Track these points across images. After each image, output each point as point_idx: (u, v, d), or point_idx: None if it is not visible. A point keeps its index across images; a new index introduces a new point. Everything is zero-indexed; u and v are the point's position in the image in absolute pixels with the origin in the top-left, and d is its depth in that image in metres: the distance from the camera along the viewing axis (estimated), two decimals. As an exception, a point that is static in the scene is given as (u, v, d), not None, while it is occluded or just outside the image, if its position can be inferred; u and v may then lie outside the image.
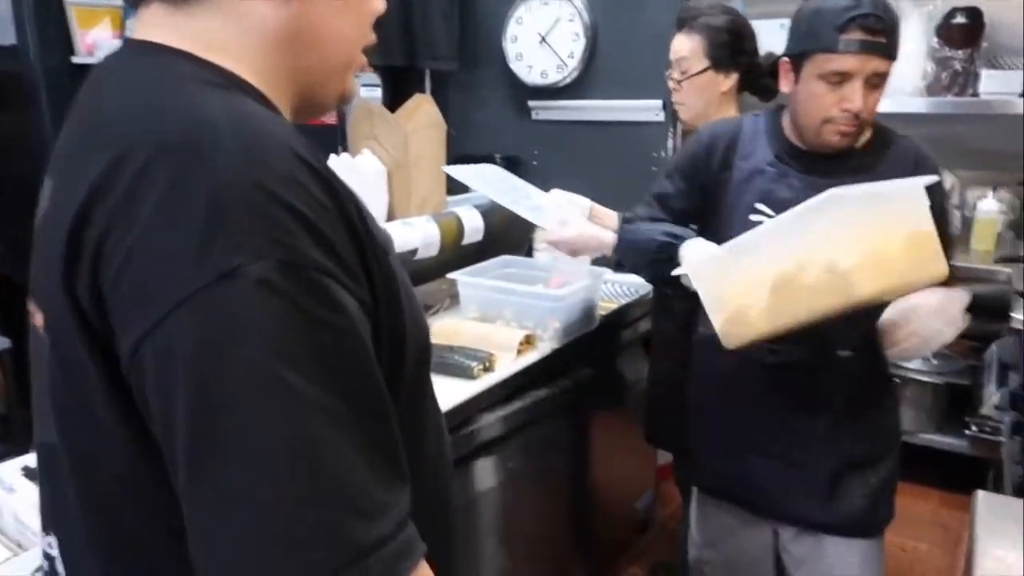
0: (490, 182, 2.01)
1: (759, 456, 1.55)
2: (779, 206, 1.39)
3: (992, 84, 2.87)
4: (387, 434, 0.58)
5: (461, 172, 2.01)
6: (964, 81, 2.92)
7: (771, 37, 2.75)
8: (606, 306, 2.24)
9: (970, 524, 2.62)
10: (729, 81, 1.85)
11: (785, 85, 1.46)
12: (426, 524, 0.59)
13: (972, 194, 2.99)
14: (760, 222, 1.37)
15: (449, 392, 1.66)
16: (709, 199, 1.57)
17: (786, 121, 1.51)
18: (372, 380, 0.57)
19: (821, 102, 1.38)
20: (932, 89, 2.94)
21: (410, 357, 0.68)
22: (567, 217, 1.82)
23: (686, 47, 1.86)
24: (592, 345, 2.10)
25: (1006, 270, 2.50)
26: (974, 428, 2.64)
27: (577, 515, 2.24)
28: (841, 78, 1.35)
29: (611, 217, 2.11)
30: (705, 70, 1.84)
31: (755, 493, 1.59)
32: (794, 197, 1.37)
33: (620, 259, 1.67)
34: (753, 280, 1.25)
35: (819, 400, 1.49)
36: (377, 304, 0.61)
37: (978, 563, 1.10)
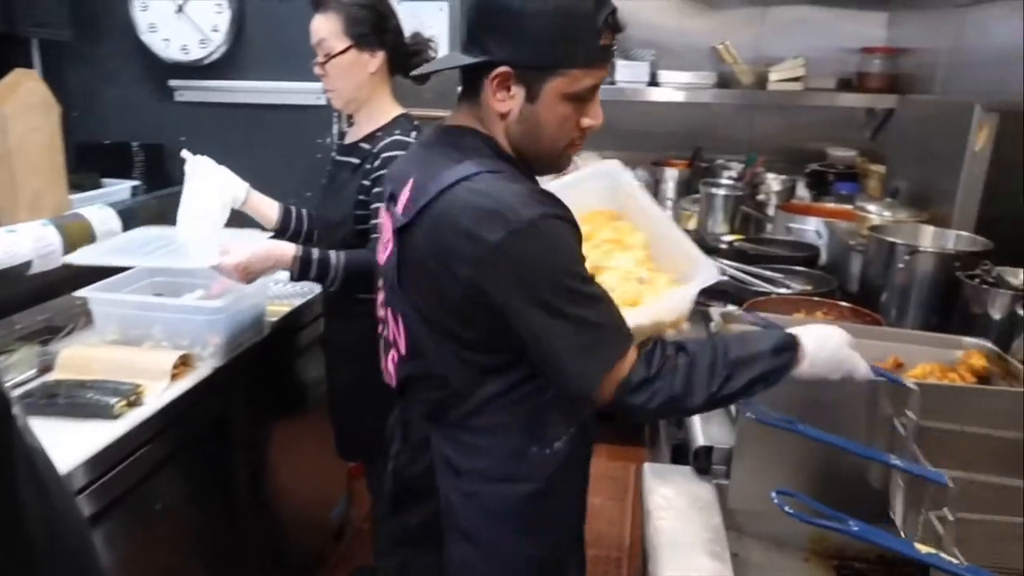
0: (125, 250, 1.70)
1: None
2: None
3: (626, 73, 3.16)
4: None
5: (89, 257, 1.66)
6: (603, 69, 3.17)
7: (429, 18, 2.74)
8: (277, 310, 2.03)
9: (639, 479, 2.88)
10: (376, 61, 1.76)
11: (503, 104, 1.15)
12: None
13: (616, 173, 3.28)
14: None
15: (85, 439, 1.37)
16: None
17: (500, 142, 1.21)
18: None
19: (568, 125, 1.17)
20: (577, 76, 3.15)
21: None
22: (229, 245, 1.60)
23: (324, 28, 1.72)
24: (264, 355, 1.90)
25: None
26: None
27: (264, 535, 2.03)
28: (591, 93, 1.17)
29: (271, 206, 1.93)
30: (347, 49, 1.72)
31: None
32: None
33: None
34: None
35: None
36: None
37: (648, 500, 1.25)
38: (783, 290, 1.95)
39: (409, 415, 1.33)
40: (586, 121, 1.18)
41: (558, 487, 1.29)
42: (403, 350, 1.26)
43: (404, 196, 1.20)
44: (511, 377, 1.21)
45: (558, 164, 1.23)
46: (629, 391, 1.09)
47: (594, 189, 1.51)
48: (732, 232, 2.67)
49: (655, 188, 3.24)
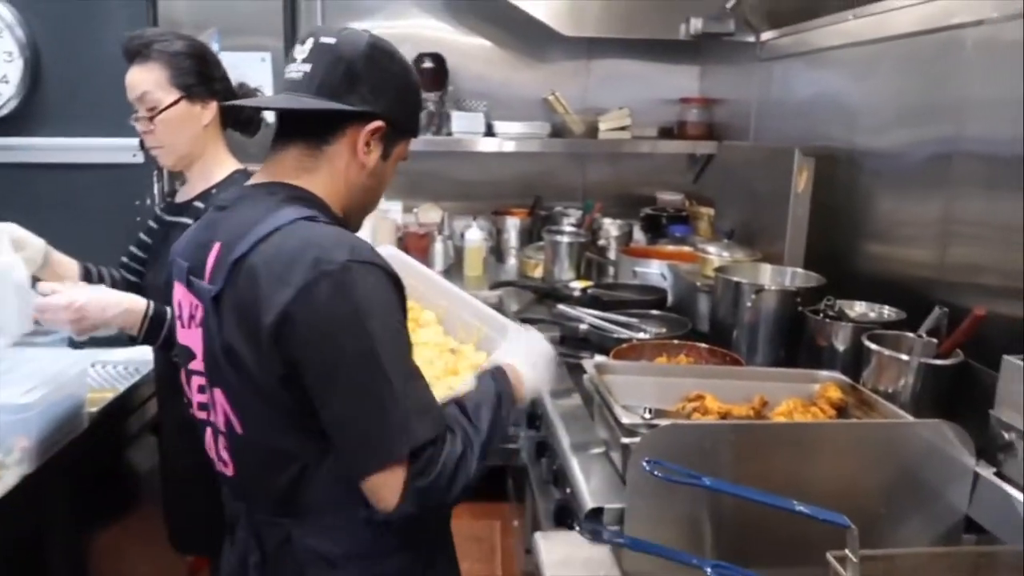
0: None
1: None
2: None
3: (461, 124, 3.16)
4: None
5: None
6: (439, 121, 3.15)
7: (250, 70, 2.59)
8: (99, 397, 1.78)
9: (506, 537, 2.77)
10: (209, 112, 1.61)
11: (368, 157, 1.14)
12: None
13: (459, 224, 3.25)
14: None
15: None
16: None
17: (328, 198, 1.16)
18: None
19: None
20: (413, 128, 3.11)
21: None
22: (56, 286, 1.40)
23: (146, 79, 1.56)
24: (85, 452, 1.64)
25: (498, 293, 2.75)
26: (491, 440, 2.85)
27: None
28: None
29: (70, 266, 1.69)
30: (177, 101, 1.56)
31: None
32: None
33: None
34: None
35: None
36: None
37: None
38: (642, 335, 1.97)
39: (257, 516, 1.18)
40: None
41: (444, 549, 1.24)
42: (239, 429, 1.11)
43: (209, 263, 1.10)
44: None
45: (361, 224, 1.26)
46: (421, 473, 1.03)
47: None
48: (579, 278, 2.71)
49: (497, 238, 3.24)
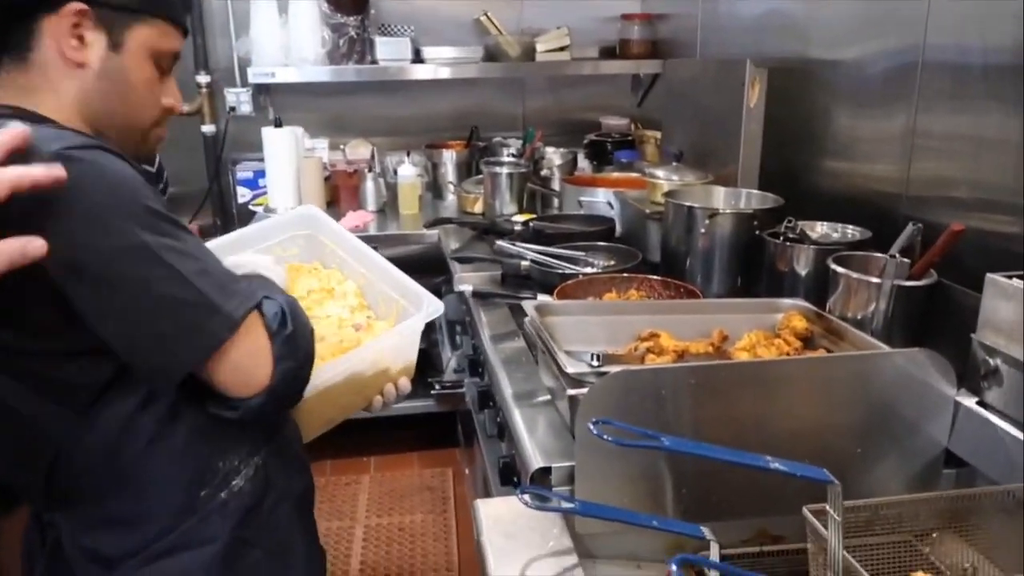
0: None
1: None
2: None
3: (386, 51, 2.91)
4: None
5: None
6: (362, 48, 2.89)
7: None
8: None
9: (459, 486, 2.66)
10: None
11: (78, 52, 0.92)
12: None
13: (391, 160, 3.03)
14: None
15: None
16: None
17: (63, 119, 0.93)
18: None
19: (154, 93, 1.00)
20: (333, 57, 2.84)
21: None
22: None
23: None
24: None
25: (435, 232, 2.56)
26: (438, 388, 2.72)
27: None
28: (172, 63, 1.03)
29: None
30: None
31: None
32: None
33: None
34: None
35: None
36: None
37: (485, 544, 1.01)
38: (589, 269, 1.81)
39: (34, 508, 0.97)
40: (167, 100, 1.02)
41: (260, 541, 1.00)
42: None
43: None
44: (128, 395, 0.90)
45: (144, 146, 1.02)
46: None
47: (292, 239, 1.41)
48: (521, 211, 2.52)
49: (433, 172, 3.03)
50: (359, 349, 1.20)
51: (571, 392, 1.06)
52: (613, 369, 1.04)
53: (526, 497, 0.93)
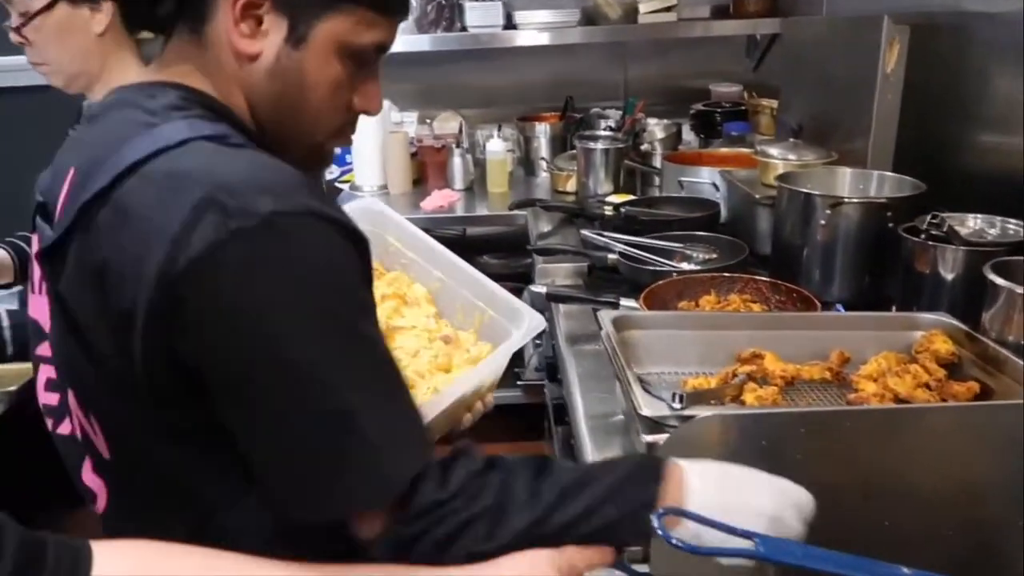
0: None
1: None
2: None
3: (476, 16, 2.72)
4: None
5: None
6: (451, 15, 2.72)
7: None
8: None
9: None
10: (102, 17, 1.26)
11: (250, 42, 0.75)
12: None
13: (481, 134, 2.86)
14: None
15: None
16: None
17: (232, 107, 0.79)
18: None
19: (341, 96, 0.80)
20: (420, 24, 2.69)
21: None
22: None
23: None
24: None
25: (523, 213, 2.37)
26: (524, 380, 2.57)
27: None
28: (375, 58, 0.81)
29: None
30: (54, 3, 1.21)
31: None
32: None
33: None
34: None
35: None
36: None
37: None
38: (686, 265, 1.59)
39: None
40: (359, 102, 0.82)
41: None
42: (105, 451, 0.79)
43: (61, 199, 0.74)
44: None
45: (318, 157, 0.84)
46: (410, 518, 0.67)
47: None
48: (617, 192, 2.30)
49: (525, 147, 2.84)
50: (468, 374, 1.09)
51: (647, 439, 0.86)
52: (700, 413, 0.83)
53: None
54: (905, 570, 0.62)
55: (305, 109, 0.78)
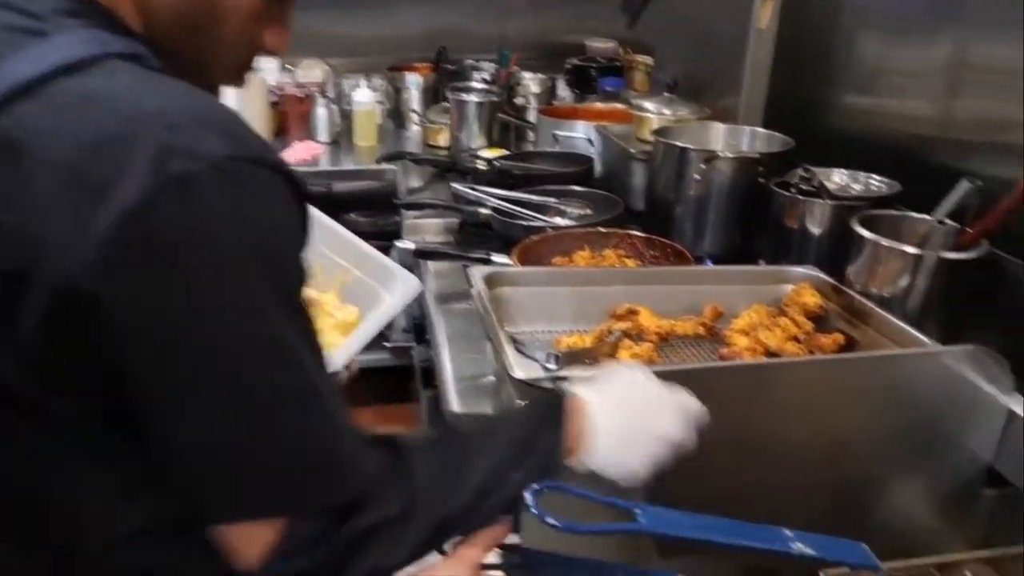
0: None
1: None
2: None
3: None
4: None
5: None
6: (314, -49, 2.52)
7: None
8: None
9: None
10: None
11: None
12: None
13: (348, 84, 2.68)
14: None
15: None
16: None
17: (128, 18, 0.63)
18: None
19: (255, 27, 0.68)
20: (281, -40, 2.47)
21: None
22: None
23: None
24: None
25: (392, 167, 2.25)
26: (391, 341, 2.47)
27: None
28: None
29: None
30: None
31: None
32: None
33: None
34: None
35: None
36: None
37: None
38: (559, 220, 1.53)
39: None
40: (270, 40, 0.71)
41: None
42: None
43: None
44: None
45: (231, 77, 0.72)
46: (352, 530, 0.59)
47: None
48: (491, 146, 2.23)
49: (396, 99, 2.69)
50: (341, 350, 1.05)
51: (519, 404, 0.79)
52: (575, 374, 0.77)
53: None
54: (787, 532, 0.58)
55: (212, 37, 0.64)
